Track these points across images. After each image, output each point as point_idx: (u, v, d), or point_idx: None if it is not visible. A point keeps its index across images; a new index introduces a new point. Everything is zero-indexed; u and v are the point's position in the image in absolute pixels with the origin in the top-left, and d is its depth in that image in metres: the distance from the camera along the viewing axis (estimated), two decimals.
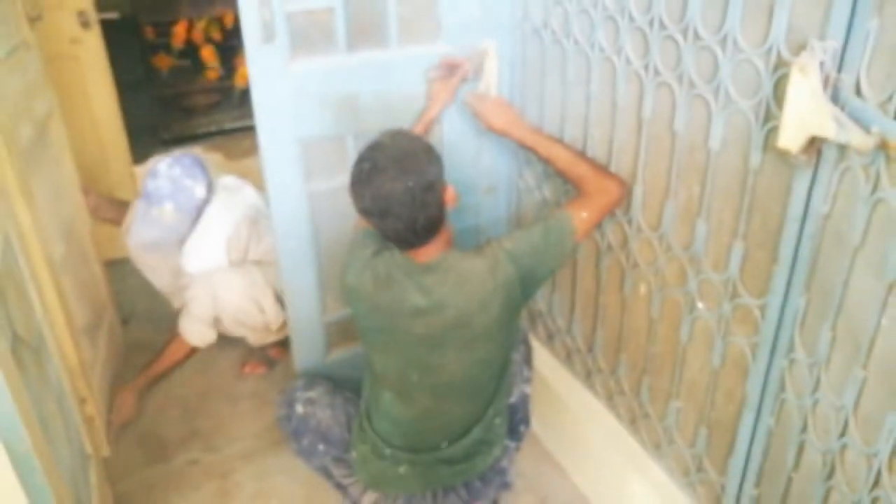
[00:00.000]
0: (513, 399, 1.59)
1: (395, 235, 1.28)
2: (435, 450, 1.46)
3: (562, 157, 1.44)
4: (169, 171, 2.07)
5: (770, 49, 1.04)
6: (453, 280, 1.30)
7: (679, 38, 1.20)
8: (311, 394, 1.61)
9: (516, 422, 1.61)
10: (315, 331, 1.83)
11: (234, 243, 2.10)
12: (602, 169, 1.43)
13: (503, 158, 1.86)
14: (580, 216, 1.34)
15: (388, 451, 1.47)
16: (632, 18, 1.29)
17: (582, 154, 1.48)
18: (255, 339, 2.22)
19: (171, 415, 2.13)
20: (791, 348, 1.13)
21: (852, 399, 1.02)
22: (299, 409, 1.59)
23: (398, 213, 1.23)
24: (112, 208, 2.34)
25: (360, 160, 1.27)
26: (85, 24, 2.47)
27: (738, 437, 1.29)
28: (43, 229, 1.62)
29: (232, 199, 2.15)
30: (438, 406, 1.42)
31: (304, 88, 1.56)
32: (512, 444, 1.62)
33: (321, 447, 1.58)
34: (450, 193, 1.31)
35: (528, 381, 1.63)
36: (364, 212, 1.27)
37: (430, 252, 1.31)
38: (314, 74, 1.56)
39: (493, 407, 1.47)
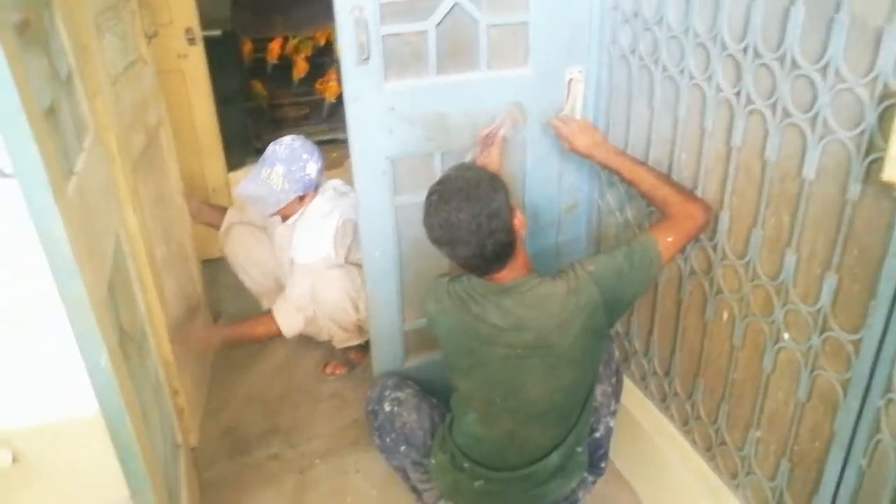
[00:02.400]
0: (598, 434, 1.59)
1: (465, 263, 1.34)
2: (513, 470, 1.48)
3: (646, 180, 1.44)
4: (291, 141, 2.16)
5: (876, 79, 1.02)
6: (531, 301, 1.33)
7: (775, 66, 1.19)
8: (400, 394, 1.66)
9: (598, 457, 1.61)
10: (394, 337, 1.89)
11: (340, 239, 2.17)
12: (687, 192, 1.42)
13: (585, 178, 1.87)
14: (665, 240, 1.35)
15: (466, 465, 1.50)
16: (724, 46, 1.29)
17: (667, 177, 1.48)
18: (340, 339, 2.30)
19: (254, 411, 2.23)
20: (888, 388, 1.09)
21: None
22: (387, 407, 1.65)
23: (466, 241, 1.28)
24: (212, 213, 2.49)
25: (430, 193, 1.34)
26: (191, 41, 2.64)
27: (826, 475, 1.26)
28: (148, 232, 1.74)
29: (340, 199, 2.23)
30: (520, 430, 1.44)
31: (395, 108, 1.62)
32: (590, 478, 1.62)
33: (403, 448, 1.63)
34: (519, 219, 1.34)
35: (614, 414, 1.62)
36: (436, 242, 1.34)
37: (506, 276, 1.35)
38: (405, 94, 1.62)
39: (574, 433, 1.47)
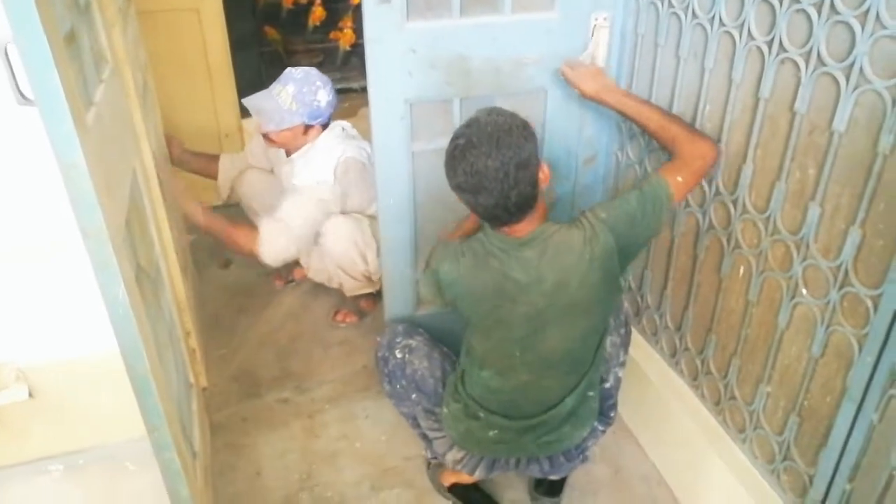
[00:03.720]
0: (608, 384, 1.60)
1: (486, 212, 1.29)
2: (528, 418, 1.49)
3: (653, 119, 1.43)
4: (307, 69, 2.14)
5: None
6: (552, 252, 1.31)
7: (812, 11, 1.15)
8: (412, 342, 1.66)
9: (608, 406, 1.62)
10: (406, 285, 1.89)
11: (340, 174, 2.13)
12: (695, 131, 1.41)
13: (605, 130, 1.84)
14: (675, 180, 1.33)
15: (482, 414, 1.50)
16: None
17: (674, 116, 1.46)
18: (351, 288, 2.30)
19: (266, 355, 2.25)
20: None
21: None
22: (398, 354, 1.64)
23: (491, 189, 1.23)
24: (197, 160, 2.42)
25: (456, 137, 1.27)
26: None
27: (835, 429, 1.26)
28: (158, 171, 1.73)
29: (346, 139, 2.21)
30: (537, 381, 1.44)
31: (416, 49, 1.59)
32: (600, 428, 1.63)
33: (414, 395, 1.64)
34: (544, 171, 1.30)
35: (623, 365, 1.63)
36: (457, 188, 1.28)
37: (524, 228, 1.31)
38: (427, 36, 1.59)
39: (587, 379, 1.48)
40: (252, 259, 2.12)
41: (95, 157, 1.06)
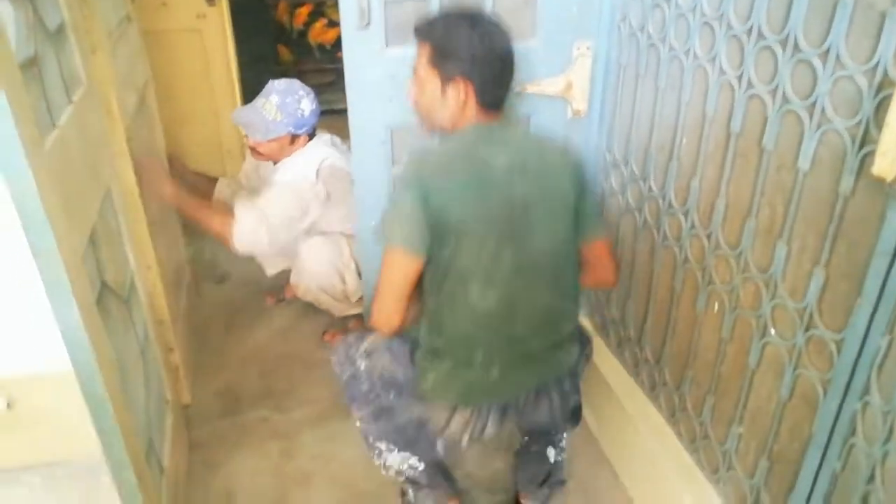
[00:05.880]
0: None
1: (485, 86, 1.32)
2: (522, 343, 1.41)
3: None
4: (290, 80, 2.16)
5: (876, 66, 0.96)
6: (533, 140, 1.42)
7: (777, 49, 1.13)
8: (365, 346, 1.56)
9: (585, 338, 1.61)
10: None
11: (325, 171, 2.12)
12: None
13: (590, 158, 1.83)
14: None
15: (478, 356, 1.39)
16: (730, 26, 1.23)
17: None
18: (337, 309, 2.30)
19: (250, 372, 2.25)
20: (866, 391, 1.05)
21: None
22: (361, 364, 1.55)
23: (503, 60, 1.31)
24: (196, 179, 2.43)
25: (469, 11, 1.34)
26: (210, 1, 2.63)
27: (801, 476, 1.22)
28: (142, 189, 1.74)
29: (334, 147, 2.21)
30: (526, 293, 1.36)
31: (396, 76, 1.60)
32: (584, 353, 1.59)
33: (392, 395, 1.53)
34: None
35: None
36: (471, 55, 1.29)
37: (499, 116, 1.37)
38: (407, 61, 1.58)
39: (571, 301, 1.48)
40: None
41: (52, 178, 1.07)
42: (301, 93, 2.13)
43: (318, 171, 2.12)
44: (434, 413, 1.48)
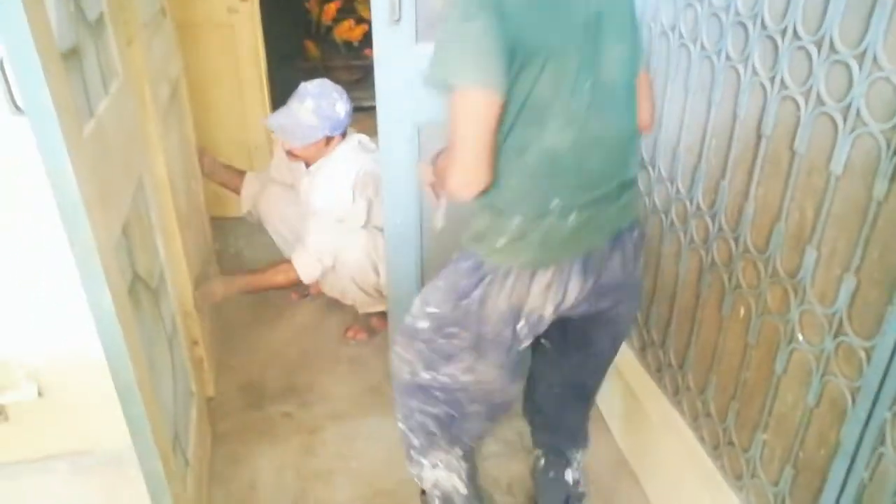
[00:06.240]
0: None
1: None
2: (597, 184, 1.23)
3: None
4: (322, 81, 2.19)
5: None
6: None
7: (812, 49, 1.11)
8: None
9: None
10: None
11: (359, 189, 2.17)
12: None
13: None
14: None
15: (554, 203, 1.19)
16: (763, 26, 1.22)
17: None
18: (363, 304, 2.32)
19: (274, 367, 2.27)
20: None
21: None
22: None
23: None
24: (226, 173, 2.51)
25: None
26: None
27: (828, 485, 1.20)
28: (174, 182, 1.77)
29: (363, 152, 2.23)
30: (600, 126, 1.18)
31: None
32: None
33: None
34: None
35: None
36: None
37: None
38: None
39: (637, 136, 1.32)
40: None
41: (89, 167, 1.10)
42: (335, 95, 2.15)
43: (353, 187, 2.16)
44: (509, 286, 1.25)
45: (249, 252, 2.84)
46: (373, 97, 1.67)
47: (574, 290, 1.28)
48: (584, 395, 1.62)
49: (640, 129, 1.31)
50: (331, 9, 3.88)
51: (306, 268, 2.18)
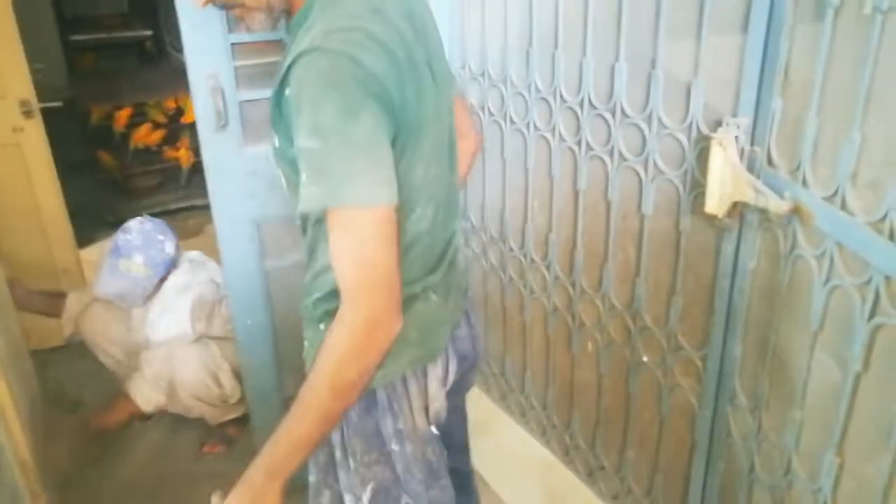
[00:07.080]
0: None
1: None
2: (444, 252, 1.07)
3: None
4: (140, 226, 2.10)
5: (690, 125, 1.16)
6: None
7: (608, 116, 1.32)
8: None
9: None
10: (274, 406, 1.84)
11: (198, 313, 2.11)
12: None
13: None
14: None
15: (417, 289, 1.02)
16: (563, 99, 1.42)
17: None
18: (213, 416, 2.20)
19: (130, 502, 2.06)
20: (734, 395, 1.22)
21: (793, 438, 1.09)
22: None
23: None
24: (42, 300, 2.32)
25: None
26: (27, 113, 2.48)
27: (692, 482, 1.37)
28: None
29: (196, 272, 2.18)
30: (447, 189, 1.04)
31: (256, 172, 1.62)
32: None
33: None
34: None
35: None
36: None
37: None
38: (266, 159, 1.62)
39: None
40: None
41: None
42: (160, 237, 2.11)
43: (190, 316, 2.11)
44: (406, 396, 1.05)
45: (72, 383, 2.56)
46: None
47: (453, 366, 1.11)
48: (466, 484, 1.35)
49: (471, 157, 1.23)
50: (122, 116, 3.73)
51: (145, 396, 2.11)
